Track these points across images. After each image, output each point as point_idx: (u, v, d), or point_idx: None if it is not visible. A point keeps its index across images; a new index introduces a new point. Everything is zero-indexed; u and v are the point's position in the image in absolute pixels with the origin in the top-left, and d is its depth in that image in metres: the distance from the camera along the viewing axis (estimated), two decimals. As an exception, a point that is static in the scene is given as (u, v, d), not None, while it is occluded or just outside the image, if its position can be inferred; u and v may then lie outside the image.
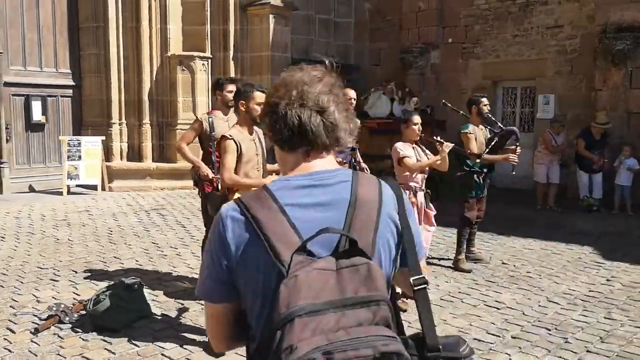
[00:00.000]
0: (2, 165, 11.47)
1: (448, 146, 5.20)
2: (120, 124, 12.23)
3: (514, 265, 6.86)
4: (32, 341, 4.45)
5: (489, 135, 6.62)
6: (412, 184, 5.26)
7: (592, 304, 5.56)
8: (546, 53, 11.99)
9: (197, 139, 5.61)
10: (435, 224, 5.60)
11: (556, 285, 6.16)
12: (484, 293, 5.85)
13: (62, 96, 12.29)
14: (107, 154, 12.07)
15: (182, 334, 4.63)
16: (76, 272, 6.28)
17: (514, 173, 6.67)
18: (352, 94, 6.79)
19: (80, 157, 11.49)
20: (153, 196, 11.34)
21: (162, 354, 4.26)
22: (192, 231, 8.27)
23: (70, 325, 4.71)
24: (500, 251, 7.52)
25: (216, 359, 4.16)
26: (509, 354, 4.41)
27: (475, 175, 6.55)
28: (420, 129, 5.33)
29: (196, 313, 5.04)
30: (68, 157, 11.39)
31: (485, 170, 6.69)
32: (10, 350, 4.28)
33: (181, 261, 6.78)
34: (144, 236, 7.98)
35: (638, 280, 6.27)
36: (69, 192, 11.30)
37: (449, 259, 6.96)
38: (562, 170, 10.52)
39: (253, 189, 4.28)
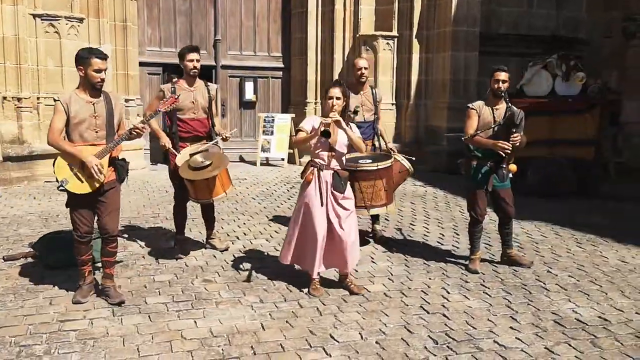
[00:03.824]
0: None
1: (331, 117, 4.46)
2: (315, 104, 12.99)
3: (555, 275, 5.44)
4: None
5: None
6: (317, 160, 4.70)
7: (558, 332, 4.21)
8: None
9: None
10: (348, 208, 4.74)
11: (562, 303, 4.77)
12: (446, 296, 4.89)
13: (272, 77, 13.64)
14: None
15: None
16: (130, 222, 7.23)
17: (504, 166, 5.27)
18: (362, 63, 6.29)
19: (272, 133, 12.67)
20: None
21: (51, 288, 4.81)
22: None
23: (35, 260, 5.56)
24: (575, 259, 5.99)
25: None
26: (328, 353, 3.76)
27: (474, 163, 5.36)
28: (338, 102, 4.66)
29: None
30: (263, 132, 12.67)
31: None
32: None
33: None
34: (243, 202, 8.59)
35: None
36: (262, 164, 12.59)
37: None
38: None
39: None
